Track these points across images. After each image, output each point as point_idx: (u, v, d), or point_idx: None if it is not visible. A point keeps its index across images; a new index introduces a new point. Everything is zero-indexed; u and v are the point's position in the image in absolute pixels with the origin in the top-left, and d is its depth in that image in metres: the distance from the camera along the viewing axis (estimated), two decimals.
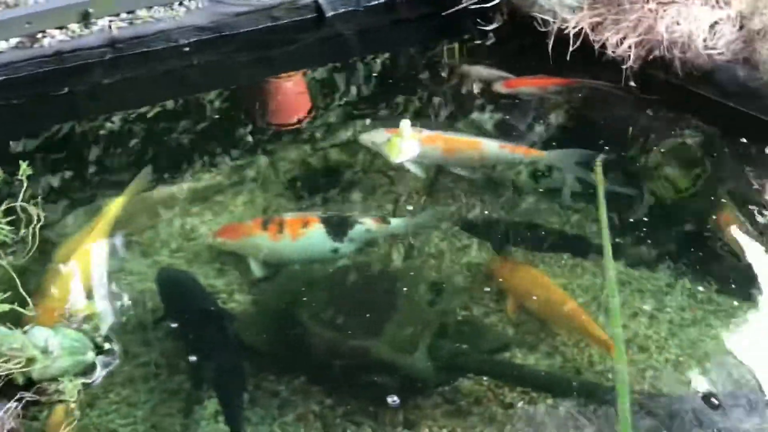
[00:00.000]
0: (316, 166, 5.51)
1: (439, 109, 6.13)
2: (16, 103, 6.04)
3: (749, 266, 4.63)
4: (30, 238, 4.40)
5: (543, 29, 6.02)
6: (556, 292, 4.46)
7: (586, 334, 4.23)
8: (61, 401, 3.89)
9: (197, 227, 4.99)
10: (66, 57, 6.11)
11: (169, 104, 6.13)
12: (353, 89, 6.31)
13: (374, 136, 5.54)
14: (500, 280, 4.63)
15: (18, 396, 3.80)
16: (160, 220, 5.04)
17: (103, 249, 4.73)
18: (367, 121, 5.92)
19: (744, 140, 5.53)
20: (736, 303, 4.45)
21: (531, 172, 5.39)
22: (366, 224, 4.85)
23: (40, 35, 6.09)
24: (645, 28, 5.74)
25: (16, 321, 4.04)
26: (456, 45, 6.75)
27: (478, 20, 6.42)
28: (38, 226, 4.40)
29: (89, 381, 4.05)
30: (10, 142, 5.72)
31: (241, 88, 6.46)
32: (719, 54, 5.69)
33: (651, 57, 5.79)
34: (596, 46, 5.86)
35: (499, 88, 6.08)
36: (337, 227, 4.78)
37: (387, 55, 6.75)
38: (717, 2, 5.71)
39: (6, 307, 3.96)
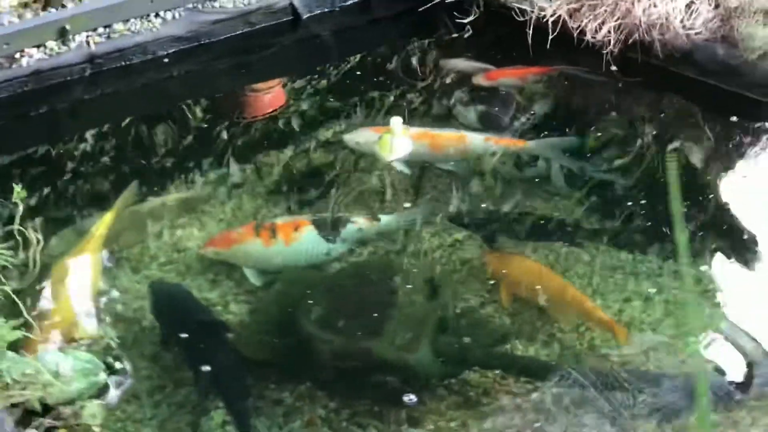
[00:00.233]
0: (301, 169, 5.48)
1: (420, 105, 6.12)
2: None
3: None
4: (31, 262, 4.39)
5: (520, 19, 6.02)
6: (555, 280, 4.48)
7: (591, 319, 4.26)
8: (78, 425, 3.77)
9: (186, 238, 4.96)
10: (45, 75, 6.06)
11: (151, 117, 6.09)
12: (332, 90, 6.29)
13: (358, 136, 5.53)
14: (494, 271, 4.63)
15: (38, 422, 3.71)
16: (150, 233, 5.00)
17: (97, 266, 4.69)
18: (350, 121, 5.90)
19: (734, 118, 5.62)
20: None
21: (515, 162, 5.40)
22: (357, 223, 4.85)
23: (17, 55, 6.04)
24: (622, 12, 5.75)
25: (15, 346, 3.93)
26: (434, 40, 6.75)
27: (455, 13, 6.41)
28: (39, 249, 4.39)
29: (104, 402, 3.96)
30: None
31: (223, 95, 6.44)
32: (697, 33, 5.71)
33: (630, 40, 5.80)
34: (575, 33, 5.86)
35: (480, 80, 6.05)
36: (329, 228, 4.78)
37: (365, 54, 6.73)
38: None
39: (18, 333, 3.88)
